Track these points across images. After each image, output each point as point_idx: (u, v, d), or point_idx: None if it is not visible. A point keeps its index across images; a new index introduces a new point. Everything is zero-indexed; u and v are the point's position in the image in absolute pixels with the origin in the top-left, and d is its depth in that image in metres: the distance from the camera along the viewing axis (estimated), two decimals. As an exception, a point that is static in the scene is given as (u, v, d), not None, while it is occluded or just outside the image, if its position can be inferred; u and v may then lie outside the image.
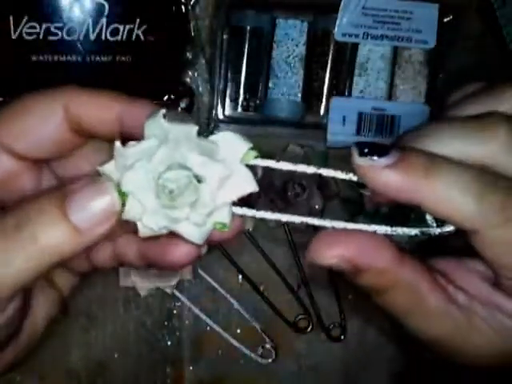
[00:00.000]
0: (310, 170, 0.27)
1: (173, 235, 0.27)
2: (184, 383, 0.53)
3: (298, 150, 0.50)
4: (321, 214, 0.50)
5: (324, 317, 0.53)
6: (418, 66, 0.51)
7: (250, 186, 0.26)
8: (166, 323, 0.52)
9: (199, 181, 0.26)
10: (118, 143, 0.26)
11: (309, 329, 0.53)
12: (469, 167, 0.24)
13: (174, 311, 0.52)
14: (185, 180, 0.26)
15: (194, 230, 0.26)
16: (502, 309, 0.27)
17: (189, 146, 0.26)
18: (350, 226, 0.27)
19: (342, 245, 0.26)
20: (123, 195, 0.26)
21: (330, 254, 0.26)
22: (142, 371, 0.52)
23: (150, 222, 0.26)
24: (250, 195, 0.27)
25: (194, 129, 0.26)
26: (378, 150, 0.24)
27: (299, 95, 0.50)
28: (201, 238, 0.27)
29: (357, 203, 0.51)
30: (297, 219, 0.27)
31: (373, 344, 0.53)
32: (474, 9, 0.52)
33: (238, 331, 0.52)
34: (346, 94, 0.51)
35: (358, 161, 0.24)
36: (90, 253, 0.31)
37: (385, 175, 0.24)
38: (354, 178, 0.26)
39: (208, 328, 0.52)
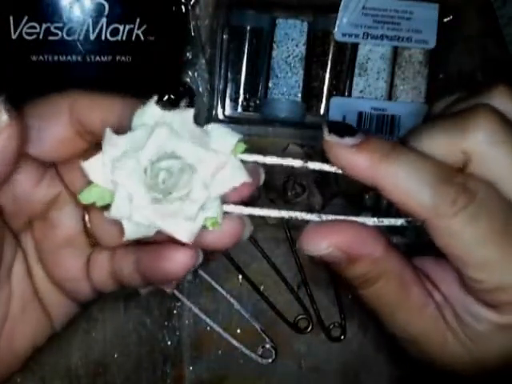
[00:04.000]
0: (297, 163, 0.27)
1: (160, 240, 0.27)
2: (184, 383, 0.53)
3: (298, 150, 0.50)
4: (321, 214, 0.50)
5: (324, 317, 0.53)
6: (418, 66, 0.51)
7: (241, 177, 0.26)
8: (166, 323, 0.52)
9: (192, 171, 0.25)
10: (108, 129, 0.25)
11: (309, 329, 0.53)
12: (429, 159, 0.26)
13: (174, 311, 0.52)
14: (178, 167, 0.25)
15: (183, 227, 0.26)
16: (471, 312, 0.27)
17: (182, 133, 0.25)
18: (340, 218, 0.27)
19: (336, 234, 0.27)
20: (109, 193, 0.26)
21: (323, 243, 0.26)
22: (141, 371, 0.52)
23: (139, 217, 0.25)
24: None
25: (191, 112, 0.25)
26: (347, 131, 0.26)
27: (299, 95, 0.50)
28: (190, 236, 0.26)
29: (357, 203, 0.51)
30: (285, 214, 0.27)
31: (373, 344, 0.53)
32: (474, 9, 0.52)
33: (238, 331, 0.52)
34: (346, 94, 0.51)
35: (327, 137, 0.26)
36: (89, 271, 0.30)
37: (347, 153, 0.26)
38: (340, 171, 0.27)
39: (208, 328, 0.52)
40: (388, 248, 0.27)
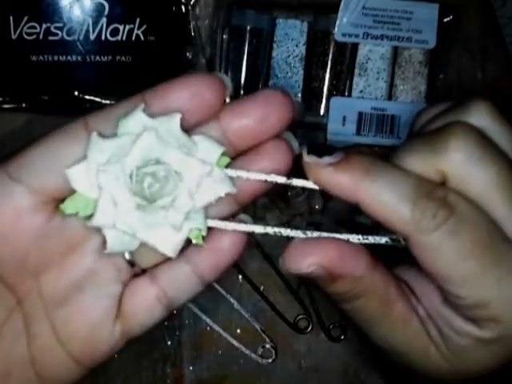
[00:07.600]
0: (281, 179, 0.27)
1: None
2: (184, 383, 0.53)
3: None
4: (321, 214, 0.50)
5: (324, 317, 0.52)
6: (418, 66, 0.51)
7: (226, 187, 0.26)
8: (165, 323, 0.52)
9: (177, 178, 0.25)
10: (95, 133, 0.25)
11: (309, 329, 0.53)
12: (410, 175, 0.25)
13: (174, 311, 0.52)
14: (164, 174, 0.25)
15: (167, 238, 0.25)
16: (452, 326, 0.27)
17: (168, 140, 0.25)
18: (324, 235, 0.27)
19: (317, 253, 0.26)
20: (93, 202, 0.25)
21: (306, 262, 0.26)
22: (141, 371, 0.52)
23: (122, 225, 0.25)
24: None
25: (177, 119, 0.25)
26: (325, 151, 0.26)
27: (299, 95, 0.50)
28: (174, 249, 0.26)
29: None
30: (270, 230, 0.27)
31: (373, 344, 0.53)
32: (474, 9, 0.51)
33: (238, 331, 0.52)
34: (346, 94, 0.51)
35: (306, 158, 0.26)
36: None
37: (326, 172, 0.25)
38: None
39: (208, 328, 0.52)
40: (371, 266, 0.27)
